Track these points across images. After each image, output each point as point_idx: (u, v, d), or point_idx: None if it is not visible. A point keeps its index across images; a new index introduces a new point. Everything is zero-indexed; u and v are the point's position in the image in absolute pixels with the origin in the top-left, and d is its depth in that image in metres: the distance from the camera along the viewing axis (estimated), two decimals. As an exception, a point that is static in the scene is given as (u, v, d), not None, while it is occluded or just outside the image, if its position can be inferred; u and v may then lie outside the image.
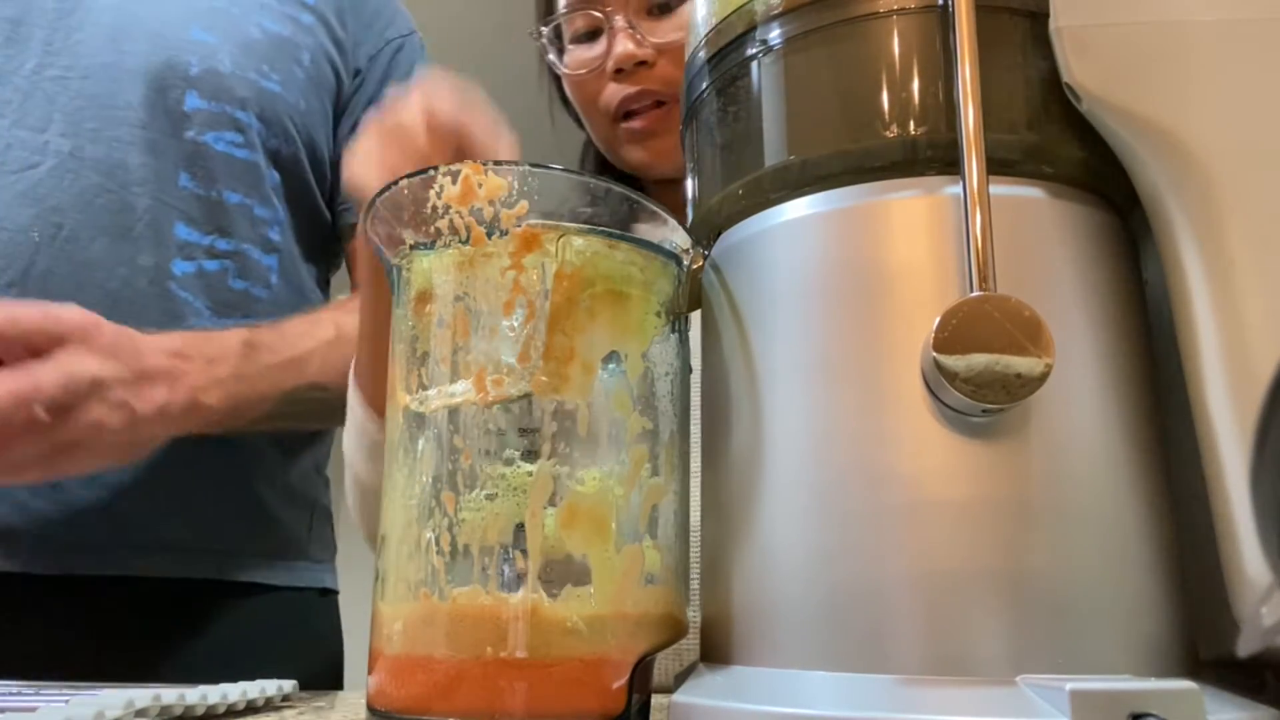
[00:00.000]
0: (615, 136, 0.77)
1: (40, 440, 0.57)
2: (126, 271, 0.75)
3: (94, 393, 0.58)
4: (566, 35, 0.78)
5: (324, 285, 0.94)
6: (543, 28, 0.78)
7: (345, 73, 0.90)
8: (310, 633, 0.88)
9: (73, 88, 0.76)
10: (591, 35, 0.76)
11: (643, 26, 0.73)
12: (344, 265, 0.95)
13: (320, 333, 0.77)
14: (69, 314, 0.59)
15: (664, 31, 0.73)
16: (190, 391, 0.65)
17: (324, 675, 0.87)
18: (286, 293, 0.84)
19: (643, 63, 0.72)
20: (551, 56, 0.79)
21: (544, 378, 0.34)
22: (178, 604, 0.77)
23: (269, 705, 0.47)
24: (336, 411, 0.79)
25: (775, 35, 0.37)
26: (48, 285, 0.73)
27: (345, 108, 0.90)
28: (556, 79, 0.82)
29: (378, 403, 0.61)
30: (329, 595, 0.93)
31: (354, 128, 0.89)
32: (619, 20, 0.73)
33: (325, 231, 0.91)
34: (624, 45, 0.72)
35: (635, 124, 0.75)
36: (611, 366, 0.35)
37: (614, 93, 0.75)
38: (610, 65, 0.73)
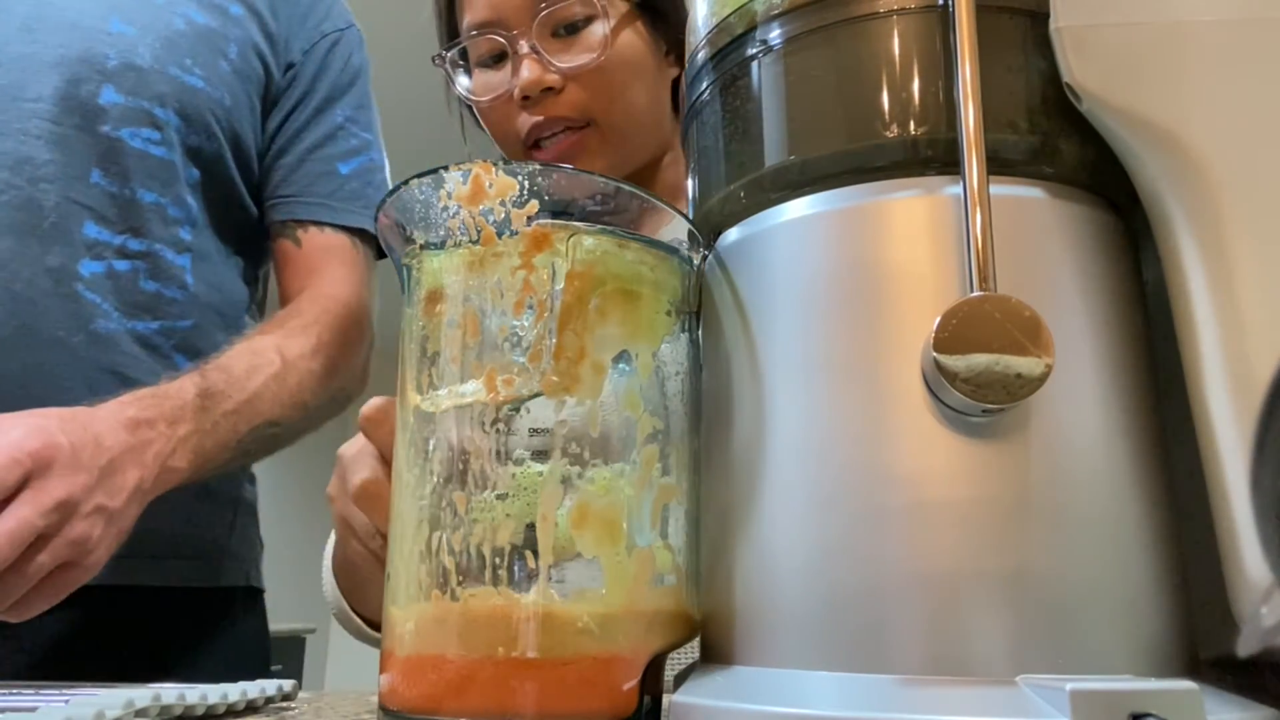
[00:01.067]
0: None
1: (36, 574, 0.55)
2: (31, 272, 0.72)
3: (68, 514, 0.56)
4: (472, 59, 0.75)
5: (253, 280, 0.91)
6: (445, 51, 0.75)
7: (276, 66, 0.87)
8: (237, 633, 0.86)
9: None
10: (498, 59, 0.73)
11: (549, 50, 0.70)
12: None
13: (266, 365, 0.74)
14: (19, 450, 0.54)
15: (572, 55, 0.70)
16: (157, 460, 0.63)
17: (251, 677, 0.87)
18: (204, 292, 0.82)
19: (550, 89, 0.70)
20: (460, 80, 0.75)
21: (554, 377, 0.34)
22: (105, 609, 0.74)
23: (269, 705, 0.47)
24: (287, 442, 0.77)
25: (775, 35, 0.37)
26: None
27: (275, 101, 0.87)
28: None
29: (360, 607, 0.61)
30: (255, 593, 0.90)
31: (284, 121, 0.87)
32: (524, 45, 0.70)
33: (251, 225, 0.88)
34: (529, 72, 0.69)
35: (544, 154, 0.72)
36: (622, 366, 0.36)
37: (524, 121, 0.72)
38: (516, 93, 0.70)
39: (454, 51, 0.75)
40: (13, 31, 0.76)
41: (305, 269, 0.85)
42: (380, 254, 0.90)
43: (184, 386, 0.68)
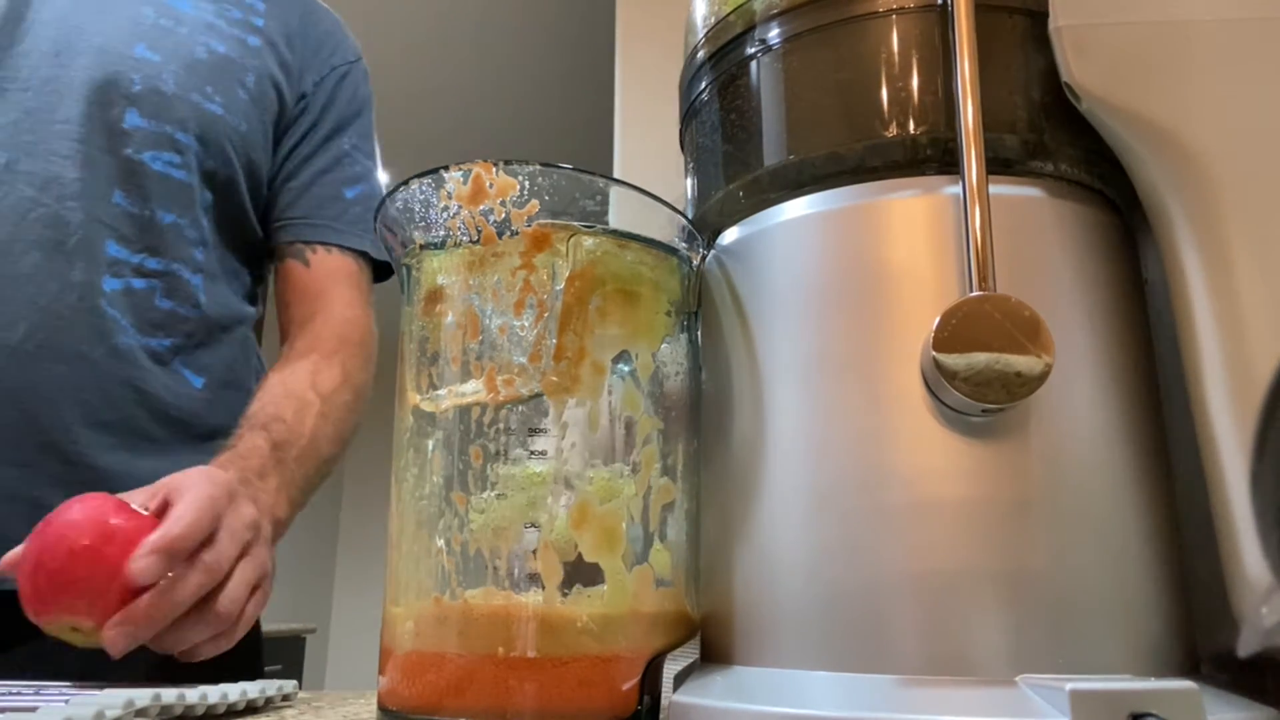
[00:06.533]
0: None
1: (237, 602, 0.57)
2: (57, 287, 0.74)
3: (256, 534, 0.59)
4: None
5: (254, 300, 0.94)
6: None
7: (289, 96, 0.90)
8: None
9: (11, 99, 0.76)
10: None
11: None
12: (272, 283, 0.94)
13: (310, 407, 0.76)
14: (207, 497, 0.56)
15: None
16: (267, 513, 0.65)
17: (245, 669, 0.88)
18: (214, 311, 0.84)
19: None
20: None
21: (554, 378, 0.34)
22: None
23: (269, 705, 0.47)
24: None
25: (774, 35, 0.37)
26: None
27: (287, 129, 0.91)
28: None
29: None
30: None
31: (294, 148, 0.91)
32: None
33: (257, 247, 0.91)
34: None
35: None
36: (622, 366, 0.36)
37: None
38: None
39: None
40: (43, 56, 0.78)
41: (314, 290, 0.88)
42: (378, 277, 0.93)
43: (257, 444, 0.70)
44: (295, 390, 0.77)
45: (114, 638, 0.47)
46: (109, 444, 0.73)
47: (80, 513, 0.49)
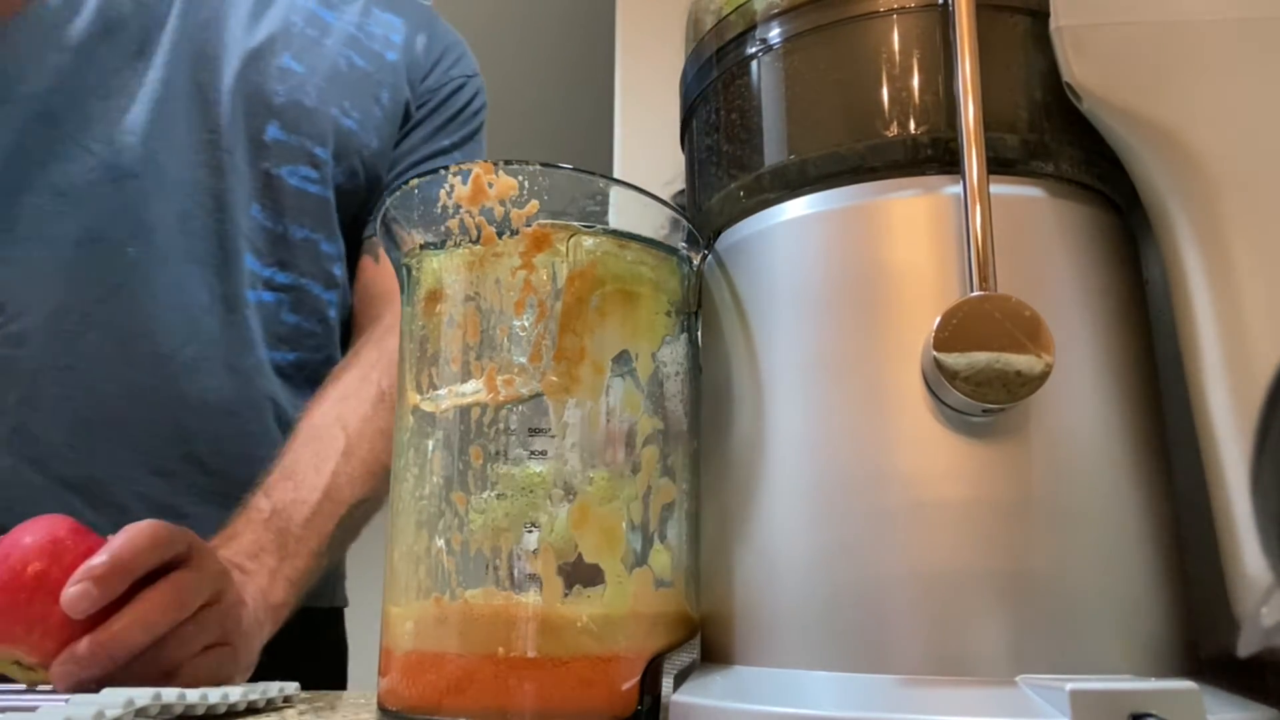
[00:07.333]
0: None
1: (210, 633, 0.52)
2: (208, 298, 0.73)
3: (226, 584, 0.54)
4: None
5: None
6: None
7: (413, 107, 0.89)
8: (318, 646, 0.84)
9: (158, 104, 0.73)
10: None
11: None
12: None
13: (330, 447, 0.71)
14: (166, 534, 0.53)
15: None
16: (262, 599, 0.60)
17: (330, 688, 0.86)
18: (338, 325, 0.83)
19: None
20: None
21: (554, 378, 0.34)
22: None
23: (269, 705, 0.47)
24: (378, 507, 0.74)
25: (775, 34, 0.37)
26: (134, 305, 0.70)
27: (403, 139, 0.89)
28: None
29: None
30: (335, 610, 0.89)
31: (400, 153, 0.88)
32: None
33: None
34: None
35: None
36: (622, 366, 0.36)
37: None
38: None
39: None
40: (189, 60, 0.76)
41: (377, 291, 0.85)
42: None
43: (252, 519, 0.65)
44: (319, 429, 0.73)
45: (60, 675, 0.44)
46: (249, 456, 0.71)
47: (30, 535, 0.46)
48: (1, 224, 0.68)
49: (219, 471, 0.71)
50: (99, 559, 0.45)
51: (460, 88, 0.92)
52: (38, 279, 0.68)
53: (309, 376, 0.80)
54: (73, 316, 0.68)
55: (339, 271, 0.83)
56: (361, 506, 0.71)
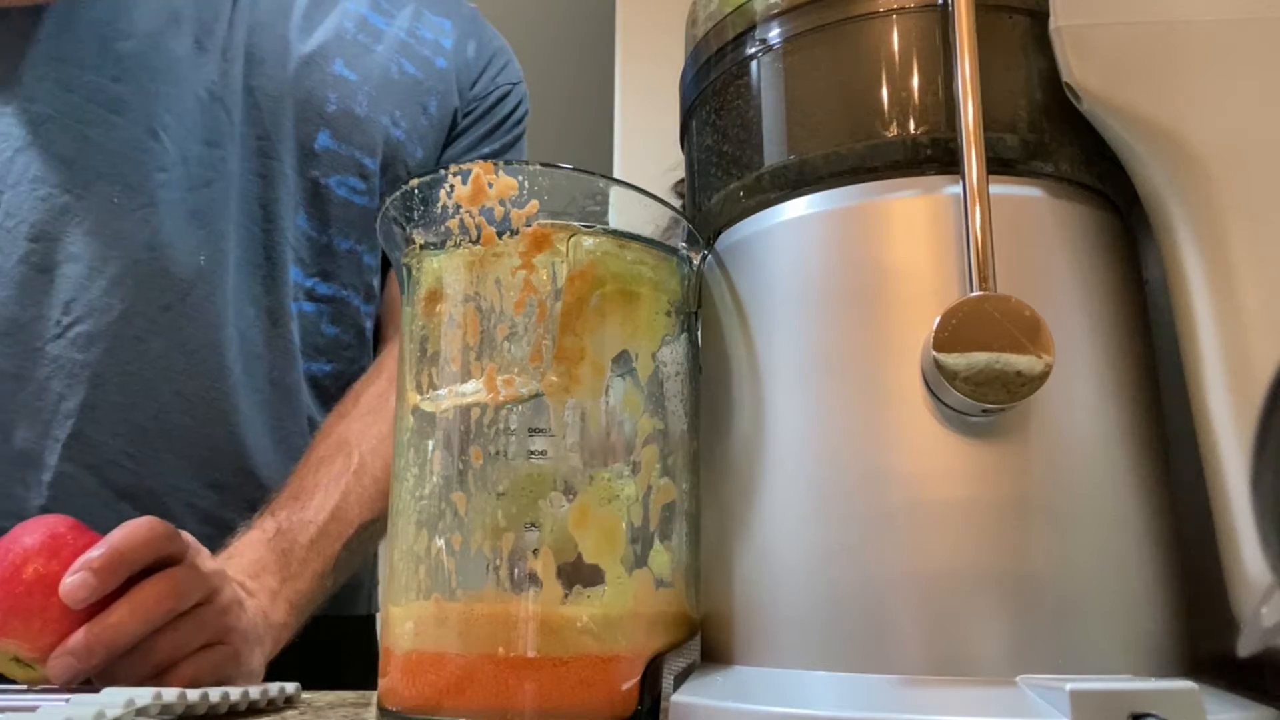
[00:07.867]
0: None
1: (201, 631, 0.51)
2: (254, 311, 0.72)
3: (219, 584, 0.53)
4: None
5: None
6: None
7: (460, 115, 0.87)
8: (353, 653, 0.82)
9: (207, 107, 0.71)
10: None
11: None
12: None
13: (340, 466, 0.69)
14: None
15: None
16: (263, 618, 0.59)
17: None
18: (372, 338, 0.81)
19: None
20: None
21: (554, 378, 0.34)
22: None
23: (270, 705, 0.47)
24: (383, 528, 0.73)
25: (775, 34, 0.37)
26: (198, 314, 0.68)
27: (447, 145, 0.88)
28: None
29: None
30: (368, 617, 0.88)
31: (442, 158, 0.87)
32: None
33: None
34: None
35: None
36: (622, 367, 0.36)
37: None
38: None
39: None
40: (241, 64, 0.74)
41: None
42: None
43: (254, 537, 0.64)
44: (334, 445, 0.72)
45: (57, 667, 0.44)
46: (291, 471, 0.70)
47: (30, 533, 0.47)
48: (74, 217, 0.65)
49: (270, 485, 0.70)
50: (97, 551, 0.45)
51: (506, 95, 0.91)
52: (107, 280, 0.66)
53: (343, 388, 0.78)
54: (139, 322, 0.66)
55: (377, 284, 0.81)
56: (370, 528, 0.70)
